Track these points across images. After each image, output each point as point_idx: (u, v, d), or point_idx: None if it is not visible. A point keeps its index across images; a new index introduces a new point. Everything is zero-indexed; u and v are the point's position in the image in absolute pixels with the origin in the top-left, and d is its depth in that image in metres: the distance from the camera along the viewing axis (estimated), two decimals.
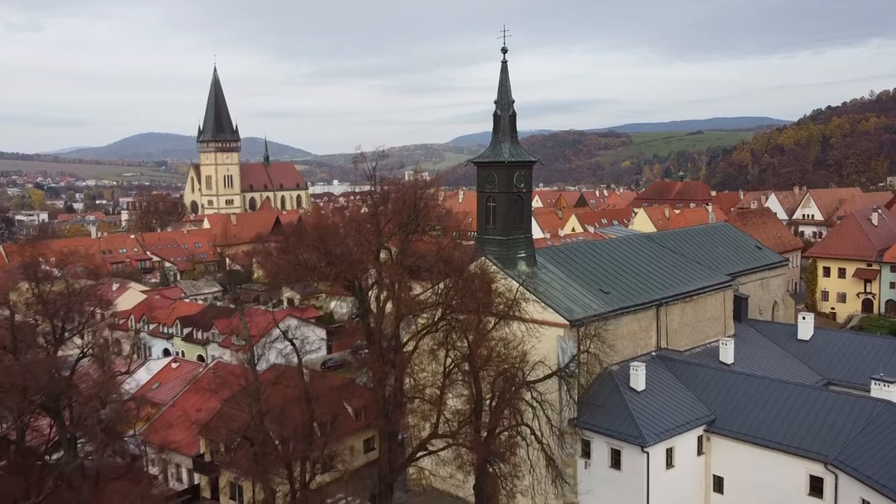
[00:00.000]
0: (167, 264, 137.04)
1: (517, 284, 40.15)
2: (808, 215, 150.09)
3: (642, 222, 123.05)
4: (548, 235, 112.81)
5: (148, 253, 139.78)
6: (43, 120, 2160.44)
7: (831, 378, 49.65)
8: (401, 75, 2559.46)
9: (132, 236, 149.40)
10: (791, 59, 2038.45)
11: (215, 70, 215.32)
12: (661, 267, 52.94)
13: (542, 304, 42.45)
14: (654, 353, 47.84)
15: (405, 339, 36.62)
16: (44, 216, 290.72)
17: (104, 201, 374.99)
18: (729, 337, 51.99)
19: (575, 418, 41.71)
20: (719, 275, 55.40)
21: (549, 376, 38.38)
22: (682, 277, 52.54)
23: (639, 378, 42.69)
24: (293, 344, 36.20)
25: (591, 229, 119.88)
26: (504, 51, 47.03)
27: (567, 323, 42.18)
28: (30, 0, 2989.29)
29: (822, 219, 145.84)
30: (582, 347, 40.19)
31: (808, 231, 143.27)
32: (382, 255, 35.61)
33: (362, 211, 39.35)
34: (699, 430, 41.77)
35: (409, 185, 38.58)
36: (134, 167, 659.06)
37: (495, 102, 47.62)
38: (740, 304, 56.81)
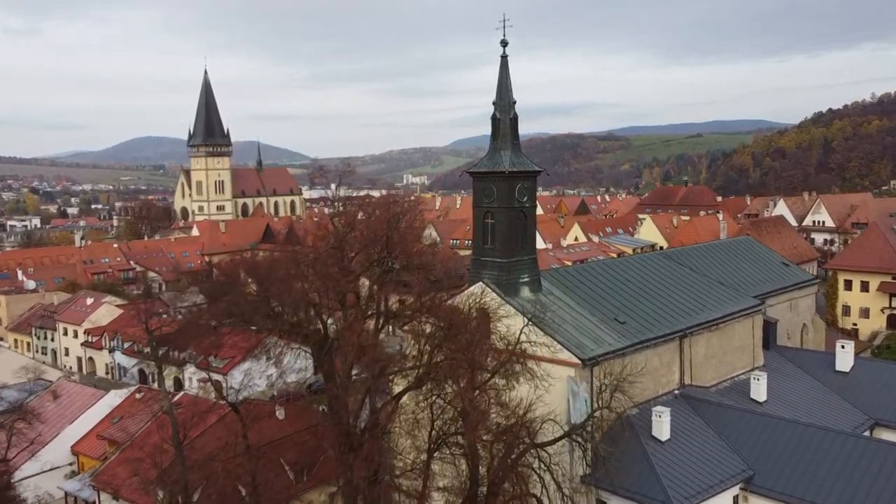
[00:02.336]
0: (151, 274, 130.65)
1: (521, 318, 33.91)
2: (818, 222, 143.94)
3: (649, 231, 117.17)
4: (549, 246, 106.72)
5: (132, 262, 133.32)
6: (41, 124, 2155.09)
7: (878, 418, 43.45)
8: (398, 79, 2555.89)
9: (115, 245, 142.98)
10: (786, 62, 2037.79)
11: (206, 73, 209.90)
12: (683, 290, 46.55)
13: (550, 342, 35.79)
14: (677, 392, 41.55)
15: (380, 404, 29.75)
16: (36, 221, 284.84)
17: (100, 206, 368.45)
18: (760, 370, 45.74)
19: (588, 475, 35.44)
20: (746, 297, 49.08)
21: (559, 438, 31.57)
22: (707, 302, 46.16)
23: (662, 426, 36.37)
24: (237, 411, 29.35)
25: (595, 238, 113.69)
26: (504, 43, 40.71)
27: (579, 362, 35.82)
28: (30, 4, 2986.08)
29: (834, 226, 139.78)
30: (601, 402, 33.46)
31: (818, 238, 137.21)
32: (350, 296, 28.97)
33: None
34: (735, 489, 35.42)
35: (383, 209, 30.87)
36: (132, 171, 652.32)
37: (494, 104, 40.77)
38: (769, 329, 50.56)
